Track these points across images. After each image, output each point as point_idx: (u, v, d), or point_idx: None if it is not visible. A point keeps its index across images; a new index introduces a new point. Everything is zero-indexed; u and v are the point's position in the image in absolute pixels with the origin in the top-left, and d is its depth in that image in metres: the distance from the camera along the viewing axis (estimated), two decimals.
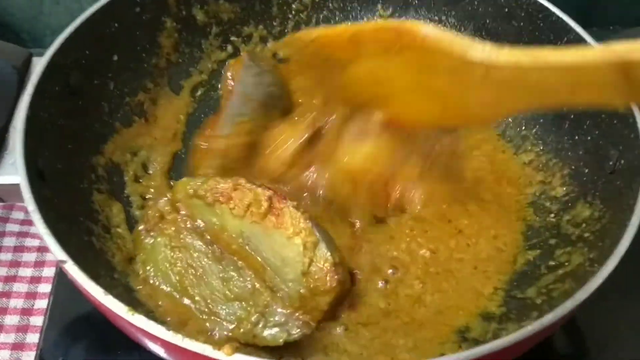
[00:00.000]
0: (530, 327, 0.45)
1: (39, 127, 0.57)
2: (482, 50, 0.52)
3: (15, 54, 0.63)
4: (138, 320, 0.42)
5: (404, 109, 0.63)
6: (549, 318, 0.46)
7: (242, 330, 0.54)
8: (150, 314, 0.54)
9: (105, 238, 0.62)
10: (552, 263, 0.60)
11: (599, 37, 0.66)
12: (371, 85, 0.63)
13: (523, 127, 0.74)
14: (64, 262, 0.45)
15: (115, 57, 0.71)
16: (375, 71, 0.61)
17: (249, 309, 0.56)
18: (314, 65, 0.67)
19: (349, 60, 0.62)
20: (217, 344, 0.41)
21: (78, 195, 0.62)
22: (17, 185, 0.54)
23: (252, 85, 0.71)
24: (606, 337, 0.67)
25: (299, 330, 0.54)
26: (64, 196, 0.58)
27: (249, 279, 0.57)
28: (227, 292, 0.57)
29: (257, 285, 0.57)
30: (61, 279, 0.73)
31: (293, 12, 0.82)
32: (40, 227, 0.48)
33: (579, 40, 0.67)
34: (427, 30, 0.55)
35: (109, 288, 0.46)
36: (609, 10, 1.01)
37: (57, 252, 0.46)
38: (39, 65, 0.60)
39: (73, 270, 0.45)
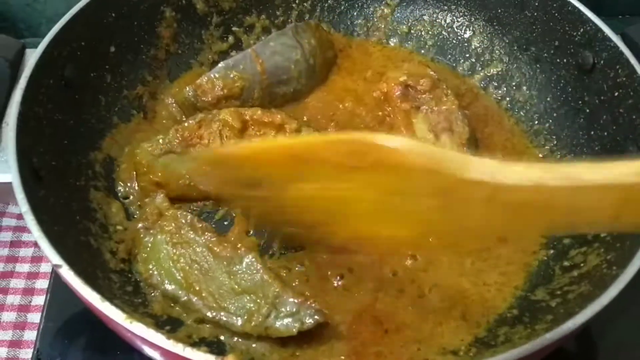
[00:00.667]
0: (549, 335, 0.43)
1: (33, 123, 0.55)
2: (485, 168, 0.40)
3: (7, 45, 0.61)
4: (137, 328, 0.40)
5: (366, 233, 0.52)
6: (568, 326, 0.44)
7: (253, 323, 0.53)
8: (150, 317, 0.53)
9: (103, 237, 0.60)
10: (566, 264, 0.58)
11: (613, 27, 0.65)
12: (321, 209, 0.52)
13: (536, 122, 0.72)
14: (59, 266, 0.43)
15: (113, 49, 0.68)
16: (327, 192, 0.49)
17: (258, 301, 0.54)
18: (241, 185, 0.55)
19: (290, 181, 0.50)
20: (221, 354, 0.39)
21: (74, 194, 0.60)
22: (6, 184, 0.52)
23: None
24: (616, 339, 0.65)
25: (312, 318, 0.52)
26: (59, 195, 0.56)
27: (255, 270, 0.56)
28: (234, 285, 0.56)
29: (266, 277, 0.55)
30: (58, 277, 0.71)
31: (297, 0, 0.80)
32: (34, 229, 0.45)
33: (596, 32, 0.64)
34: (404, 145, 0.42)
35: (106, 292, 0.44)
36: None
37: (51, 256, 0.44)
38: (32, 57, 0.57)
39: (69, 275, 0.43)
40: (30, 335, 0.73)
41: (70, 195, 0.59)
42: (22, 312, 0.74)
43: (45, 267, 0.79)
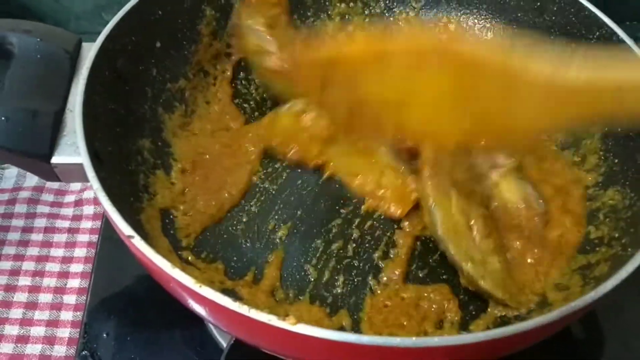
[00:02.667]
0: (574, 304, 0.47)
1: (94, 111, 0.59)
2: (545, 68, 0.47)
3: (66, 38, 0.64)
4: (206, 292, 0.45)
5: (435, 125, 0.57)
6: (591, 296, 0.48)
7: None
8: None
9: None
10: (587, 247, 0.63)
11: (629, 32, 0.68)
12: (394, 102, 0.56)
13: None
14: (132, 237, 0.47)
15: (158, 44, 0.72)
16: (401, 85, 0.54)
17: None
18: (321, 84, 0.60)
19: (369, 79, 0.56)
20: (282, 314, 0.43)
21: (126, 177, 0.64)
22: (74, 166, 0.56)
23: None
24: (623, 327, 0.69)
25: None
26: (115, 177, 0.60)
27: None
28: None
29: None
30: (102, 257, 0.75)
31: (327, 2, 0.84)
32: (106, 204, 0.50)
33: (611, 35, 0.68)
34: (475, 46, 0.51)
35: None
36: (629, 5, 1.03)
37: (124, 228, 0.48)
38: (92, 50, 0.62)
39: (140, 245, 0.47)
40: (67, 315, 0.77)
41: (122, 178, 0.63)
42: (58, 294, 0.79)
43: (78, 252, 0.83)
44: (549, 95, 0.48)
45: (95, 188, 0.50)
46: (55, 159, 0.57)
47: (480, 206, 0.63)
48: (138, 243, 0.47)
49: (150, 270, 0.49)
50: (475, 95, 0.52)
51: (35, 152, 0.57)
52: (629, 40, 0.67)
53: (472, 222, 0.61)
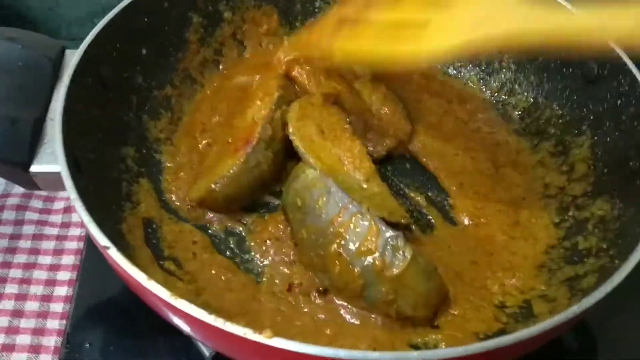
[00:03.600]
0: (558, 317, 0.47)
1: (75, 118, 0.58)
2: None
3: (49, 45, 0.64)
4: (181, 304, 0.44)
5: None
6: (573, 310, 0.47)
7: None
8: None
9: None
10: (575, 258, 0.62)
11: None
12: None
13: (542, 127, 0.76)
14: (107, 248, 0.47)
15: (144, 51, 0.72)
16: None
17: None
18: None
19: None
20: (258, 328, 0.42)
21: (109, 185, 0.63)
22: (54, 174, 0.55)
23: None
24: (615, 335, 0.68)
25: None
26: (96, 185, 0.59)
27: None
28: None
29: None
30: (87, 265, 0.74)
31: (316, 8, 0.84)
32: (83, 215, 0.49)
33: None
34: None
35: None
36: None
37: (100, 238, 0.48)
38: (74, 57, 0.61)
39: (116, 256, 0.47)
40: (53, 324, 0.76)
41: (104, 187, 0.62)
42: (45, 302, 0.77)
43: (66, 260, 0.82)
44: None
45: (72, 197, 0.50)
46: (34, 168, 0.57)
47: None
48: (114, 254, 0.46)
49: (127, 282, 0.49)
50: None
51: (14, 160, 0.56)
52: (617, 49, 0.66)
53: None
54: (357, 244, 0.56)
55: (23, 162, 0.56)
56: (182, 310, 0.44)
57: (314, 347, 0.42)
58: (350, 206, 0.57)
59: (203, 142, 0.73)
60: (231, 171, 0.64)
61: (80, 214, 0.49)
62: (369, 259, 0.55)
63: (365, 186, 0.64)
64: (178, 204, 0.68)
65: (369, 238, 0.55)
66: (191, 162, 0.72)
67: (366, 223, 0.56)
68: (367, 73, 0.76)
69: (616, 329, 0.68)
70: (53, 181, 0.57)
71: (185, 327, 0.48)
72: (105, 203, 0.60)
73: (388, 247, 0.55)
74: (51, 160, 0.57)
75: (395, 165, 0.74)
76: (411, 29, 0.58)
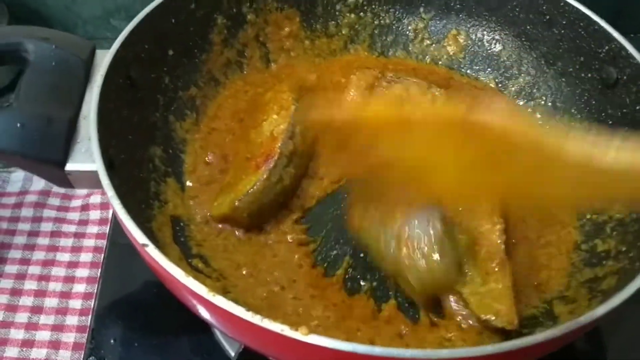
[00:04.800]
0: (583, 318, 0.48)
1: (107, 118, 0.59)
2: (582, 147, 0.44)
3: (81, 45, 0.65)
4: (219, 301, 0.45)
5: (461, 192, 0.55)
6: (600, 311, 0.49)
7: None
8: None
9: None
10: (594, 260, 0.63)
11: (638, 45, 0.69)
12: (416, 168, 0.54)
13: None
14: (145, 245, 0.48)
15: (171, 52, 0.73)
16: (424, 151, 0.52)
17: None
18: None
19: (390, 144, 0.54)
20: (295, 324, 0.43)
21: (139, 184, 0.65)
22: (89, 173, 0.57)
23: None
24: (624, 338, 0.69)
25: None
26: (127, 184, 0.60)
27: None
28: None
29: None
30: (110, 262, 0.75)
31: (337, 12, 0.85)
32: (120, 213, 0.50)
33: (620, 50, 0.69)
34: (505, 120, 0.47)
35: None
36: (635, 19, 1.03)
37: (138, 236, 0.49)
38: (106, 57, 0.62)
39: (154, 254, 0.48)
40: (72, 320, 0.77)
41: (134, 186, 0.63)
42: (64, 299, 0.78)
43: (84, 257, 0.83)
44: (584, 175, 0.45)
45: (110, 196, 0.51)
46: (69, 166, 0.58)
47: None
48: (152, 251, 0.48)
49: (163, 278, 0.50)
50: (504, 168, 0.50)
51: (50, 159, 0.57)
52: (637, 55, 0.68)
53: None
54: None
55: (59, 160, 0.57)
56: (220, 306, 0.45)
57: (349, 344, 0.43)
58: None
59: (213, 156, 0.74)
60: (255, 188, 0.64)
61: (118, 212, 0.50)
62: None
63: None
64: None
65: None
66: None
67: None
68: None
69: (625, 332, 0.69)
70: (88, 179, 0.58)
71: (220, 324, 0.49)
72: (136, 201, 0.61)
73: None
74: (85, 158, 0.58)
75: None
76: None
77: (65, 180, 0.58)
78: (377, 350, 0.43)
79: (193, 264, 0.63)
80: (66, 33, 0.67)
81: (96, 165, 0.53)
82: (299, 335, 0.43)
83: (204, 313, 0.49)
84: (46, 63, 0.61)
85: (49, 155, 0.57)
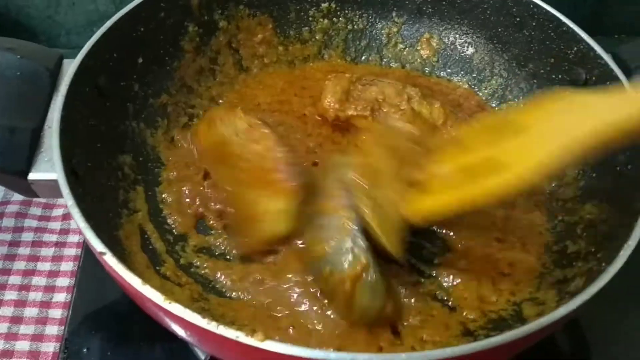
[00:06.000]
0: (544, 319, 0.48)
1: (72, 127, 0.59)
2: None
3: (47, 55, 0.65)
4: (174, 308, 0.45)
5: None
6: (560, 312, 0.48)
7: None
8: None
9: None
10: (564, 262, 0.63)
11: (606, 46, 0.69)
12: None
13: None
14: (103, 253, 0.48)
15: (140, 60, 0.73)
16: None
17: None
18: None
19: None
20: (251, 331, 0.43)
21: (106, 193, 0.64)
22: (52, 182, 0.56)
23: None
24: (608, 337, 0.69)
25: None
26: (93, 193, 0.60)
27: None
28: None
29: None
30: (84, 272, 0.75)
31: (310, 17, 0.85)
32: (79, 221, 0.50)
33: (588, 50, 0.69)
34: None
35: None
36: (615, 19, 1.04)
37: (96, 244, 0.48)
38: (71, 67, 0.62)
39: (112, 262, 0.48)
40: (52, 329, 0.77)
41: (102, 194, 0.63)
42: (44, 308, 0.78)
43: (65, 266, 0.83)
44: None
45: (69, 204, 0.51)
46: (32, 176, 0.58)
47: None
48: (109, 259, 0.47)
49: (123, 287, 0.50)
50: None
51: (12, 169, 0.57)
52: (605, 56, 0.68)
53: None
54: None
55: (21, 170, 0.57)
56: (176, 314, 0.45)
57: (305, 350, 0.43)
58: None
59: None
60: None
61: (77, 220, 0.50)
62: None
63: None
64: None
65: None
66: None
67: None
68: None
69: (608, 331, 0.69)
70: (51, 188, 0.58)
71: (179, 331, 0.49)
72: (102, 210, 0.61)
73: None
74: (49, 168, 0.58)
75: None
76: (487, 163, 0.56)
77: (29, 190, 0.58)
78: (332, 355, 0.43)
79: (161, 272, 0.63)
80: (34, 44, 0.67)
81: (57, 174, 0.53)
82: (255, 341, 0.43)
83: (165, 321, 0.49)
84: (11, 73, 0.61)
85: (11, 165, 0.57)
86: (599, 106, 0.51)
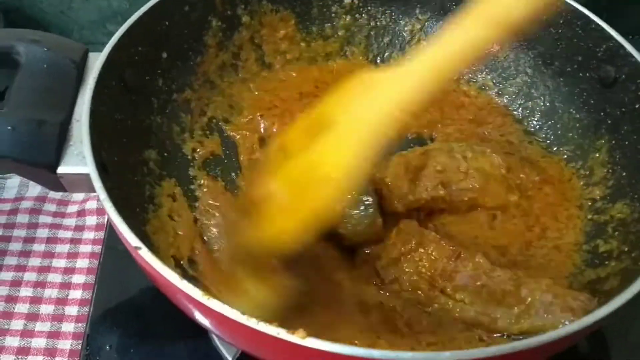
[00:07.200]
0: (585, 319, 0.47)
1: (100, 121, 0.58)
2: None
3: (73, 48, 0.64)
4: (213, 304, 0.44)
5: None
6: (601, 312, 0.48)
7: None
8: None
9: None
10: (596, 261, 0.62)
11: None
12: None
13: (558, 132, 0.77)
14: (138, 248, 0.47)
15: (164, 55, 0.72)
16: None
17: None
18: None
19: None
20: (292, 328, 0.42)
21: (132, 188, 0.64)
22: (81, 176, 0.56)
23: None
24: (628, 340, 0.69)
25: None
26: (121, 188, 0.59)
27: None
28: None
29: None
30: (105, 268, 0.74)
31: (333, 14, 0.85)
32: (113, 215, 0.49)
33: (618, 48, 0.69)
34: None
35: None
36: (630, 20, 1.03)
37: (131, 239, 0.48)
38: (98, 60, 0.61)
39: (147, 257, 0.47)
40: (68, 327, 0.76)
41: (128, 189, 0.62)
42: (60, 305, 0.78)
43: (80, 263, 0.82)
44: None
45: (102, 198, 0.50)
46: (61, 169, 0.57)
47: None
48: (145, 254, 0.47)
49: (157, 282, 0.49)
50: None
51: (41, 162, 0.56)
52: (635, 53, 0.67)
53: None
54: None
55: (50, 164, 0.56)
56: (215, 310, 0.44)
57: (347, 348, 0.42)
58: None
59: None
60: None
61: (111, 215, 0.49)
62: None
63: None
64: None
65: None
66: None
67: None
68: None
69: (629, 334, 0.69)
70: (79, 182, 0.57)
71: (215, 328, 0.48)
72: (130, 205, 0.60)
73: None
74: (78, 162, 0.57)
75: None
76: (310, 169, 0.51)
77: (58, 184, 0.57)
78: (375, 353, 0.42)
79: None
80: (58, 36, 0.67)
81: (88, 168, 0.52)
82: (296, 338, 0.43)
83: (199, 317, 0.48)
84: (38, 66, 0.60)
85: (40, 159, 0.56)
86: (384, 83, 0.49)
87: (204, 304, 0.44)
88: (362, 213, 0.63)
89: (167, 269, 0.46)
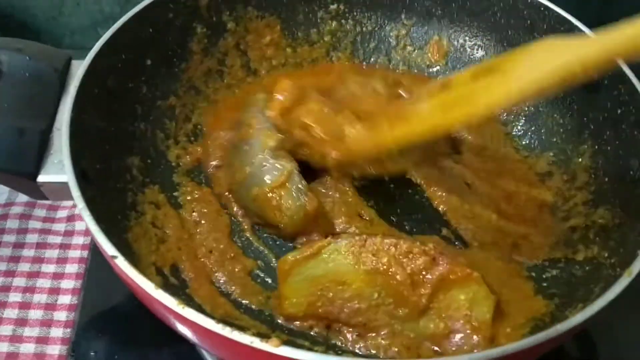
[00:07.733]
0: (559, 326, 0.47)
1: (82, 129, 0.59)
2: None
3: (56, 56, 0.64)
4: (188, 313, 0.44)
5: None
6: (577, 319, 0.48)
7: None
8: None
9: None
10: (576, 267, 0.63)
11: None
12: None
13: (542, 136, 0.77)
14: (114, 257, 0.47)
15: (149, 62, 0.72)
16: None
17: None
18: None
19: None
20: (265, 336, 0.43)
21: (115, 196, 0.64)
22: (62, 184, 0.56)
23: None
24: (616, 343, 0.69)
25: None
26: (103, 196, 0.60)
27: None
28: None
29: None
30: (92, 274, 0.74)
31: (319, 19, 0.85)
32: (90, 224, 0.49)
33: None
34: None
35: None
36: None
37: (107, 248, 0.48)
38: (80, 68, 0.62)
39: (123, 265, 0.47)
40: (57, 332, 0.76)
41: (110, 196, 0.62)
42: (49, 311, 0.77)
43: (70, 269, 0.82)
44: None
45: (79, 207, 0.50)
46: (41, 178, 0.57)
47: None
48: (121, 263, 0.47)
49: (134, 291, 0.49)
50: None
51: (21, 171, 0.57)
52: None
53: None
54: None
55: (30, 172, 0.57)
56: (189, 319, 0.44)
57: (324, 357, 0.42)
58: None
59: None
60: None
61: (88, 223, 0.49)
62: None
63: None
64: None
65: None
66: None
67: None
68: None
69: (617, 337, 0.69)
70: (60, 191, 0.57)
71: (191, 336, 0.49)
72: (111, 212, 0.60)
73: None
74: (58, 170, 0.57)
75: None
76: (461, 97, 0.60)
77: (38, 192, 0.58)
78: None
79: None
80: (42, 45, 0.67)
81: (67, 176, 0.52)
82: (269, 347, 0.43)
83: (177, 326, 0.48)
84: (20, 74, 0.60)
85: (20, 167, 0.56)
86: (572, 45, 0.54)
87: (179, 313, 0.44)
88: (298, 203, 0.63)
89: (143, 278, 0.46)
